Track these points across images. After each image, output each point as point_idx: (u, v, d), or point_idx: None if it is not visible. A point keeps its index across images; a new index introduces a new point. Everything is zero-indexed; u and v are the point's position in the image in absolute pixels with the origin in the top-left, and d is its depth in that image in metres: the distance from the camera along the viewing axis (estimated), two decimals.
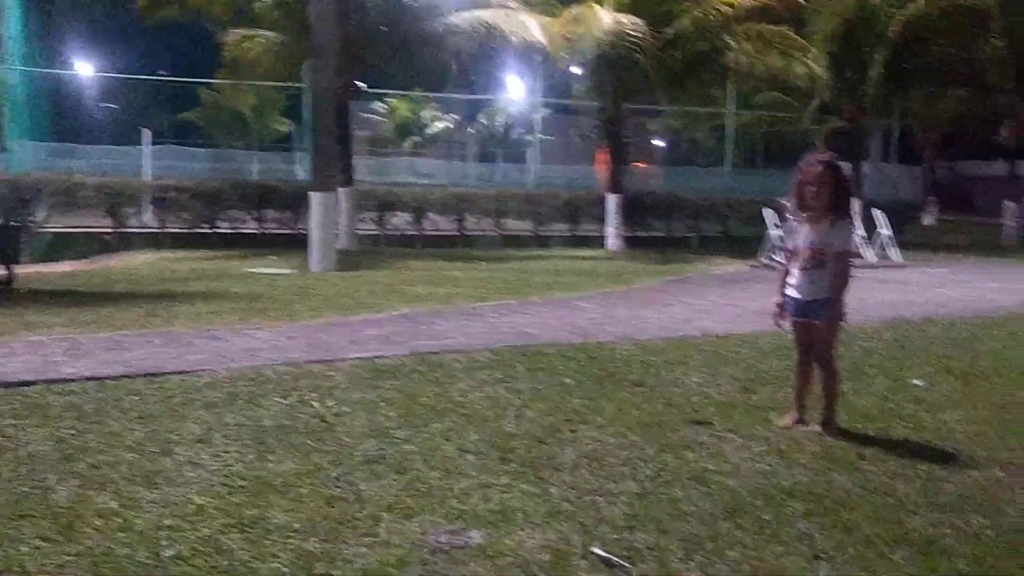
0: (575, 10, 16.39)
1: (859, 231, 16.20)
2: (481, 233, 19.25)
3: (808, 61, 18.13)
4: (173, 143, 27.37)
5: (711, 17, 16.57)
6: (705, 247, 19.80)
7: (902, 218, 21.67)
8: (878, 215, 16.54)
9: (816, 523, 3.35)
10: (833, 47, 18.37)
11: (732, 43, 17.76)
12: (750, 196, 21.28)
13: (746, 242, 19.15)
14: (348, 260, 13.49)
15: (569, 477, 3.76)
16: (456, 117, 46.34)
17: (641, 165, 36.23)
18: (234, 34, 15.87)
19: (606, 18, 15.70)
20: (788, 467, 3.98)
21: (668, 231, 20.57)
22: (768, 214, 15.46)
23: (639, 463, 3.97)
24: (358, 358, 6.09)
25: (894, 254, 16.22)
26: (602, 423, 4.60)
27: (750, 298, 10.59)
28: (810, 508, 3.49)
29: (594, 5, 16.21)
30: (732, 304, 9.98)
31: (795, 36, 17.93)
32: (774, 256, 15.24)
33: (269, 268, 12.75)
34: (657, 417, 4.77)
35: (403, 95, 39.58)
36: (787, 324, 4.70)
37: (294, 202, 16.56)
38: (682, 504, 3.49)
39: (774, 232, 15.31)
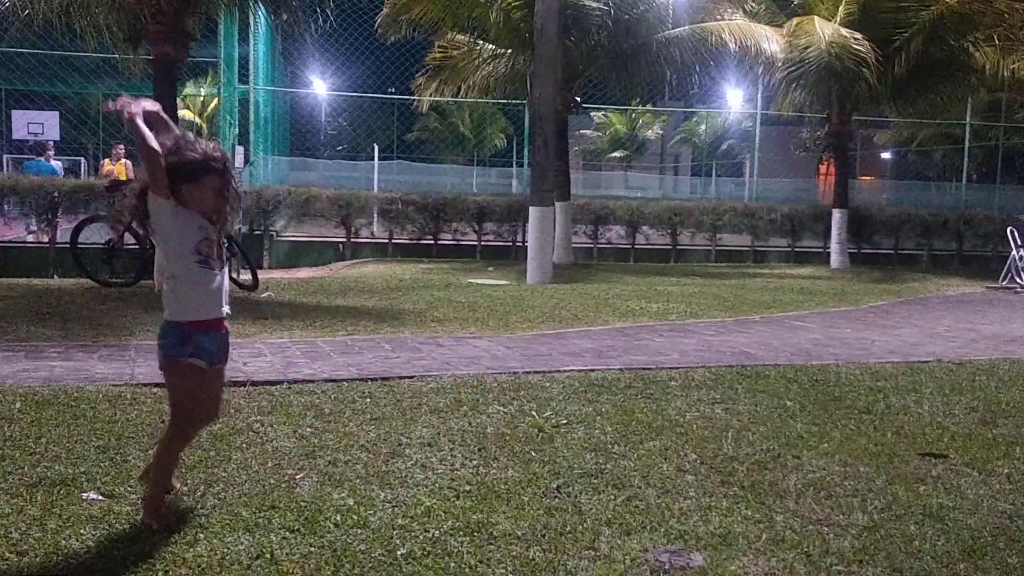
0: (796, 21, 15.95)
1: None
2: (695, 247, 19.01)
3: None
4: (401, 158, 28.77)
5: (945, 22, 15.67)
6: (936, 266, 18.68)
7: None
8: None
9: None
10: None
11: (969, 47, 16.71)
12: (988, 212, 19.89)
13: (982, 262, 17.93)
14: (563, 273, 13.69)
15: (793, 505, 3.65)
16: (670, 130, 46.07)
17: (867, 179, 34.64)
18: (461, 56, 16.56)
19: (827, 30, 15.18)
20: None
21: (896, 248, 19.55)
22: (1012, 233, 14.39)
23: (868, 495, 3.80)
24: (573, 370, 6.17)
25: None
26: (827, 450, 4.44)
27: (987, 323, 9.94)
28: None
29: (815, 18, 15.70)
30: (968, 328, 9.38)
31: None
32: (1018, 279, 14.18)
33: (488, 279, 13.13)
34: (887, 447, 4.55)
35: (619, 109, 39.77)
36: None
37: (512, 215, 17.01)
38: (915, 541, 3.31)
39: (1018, 252, 14.26)
